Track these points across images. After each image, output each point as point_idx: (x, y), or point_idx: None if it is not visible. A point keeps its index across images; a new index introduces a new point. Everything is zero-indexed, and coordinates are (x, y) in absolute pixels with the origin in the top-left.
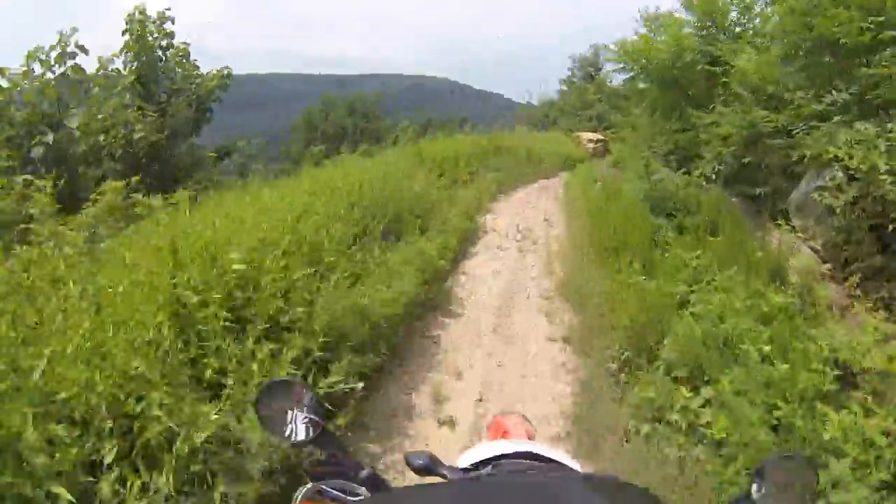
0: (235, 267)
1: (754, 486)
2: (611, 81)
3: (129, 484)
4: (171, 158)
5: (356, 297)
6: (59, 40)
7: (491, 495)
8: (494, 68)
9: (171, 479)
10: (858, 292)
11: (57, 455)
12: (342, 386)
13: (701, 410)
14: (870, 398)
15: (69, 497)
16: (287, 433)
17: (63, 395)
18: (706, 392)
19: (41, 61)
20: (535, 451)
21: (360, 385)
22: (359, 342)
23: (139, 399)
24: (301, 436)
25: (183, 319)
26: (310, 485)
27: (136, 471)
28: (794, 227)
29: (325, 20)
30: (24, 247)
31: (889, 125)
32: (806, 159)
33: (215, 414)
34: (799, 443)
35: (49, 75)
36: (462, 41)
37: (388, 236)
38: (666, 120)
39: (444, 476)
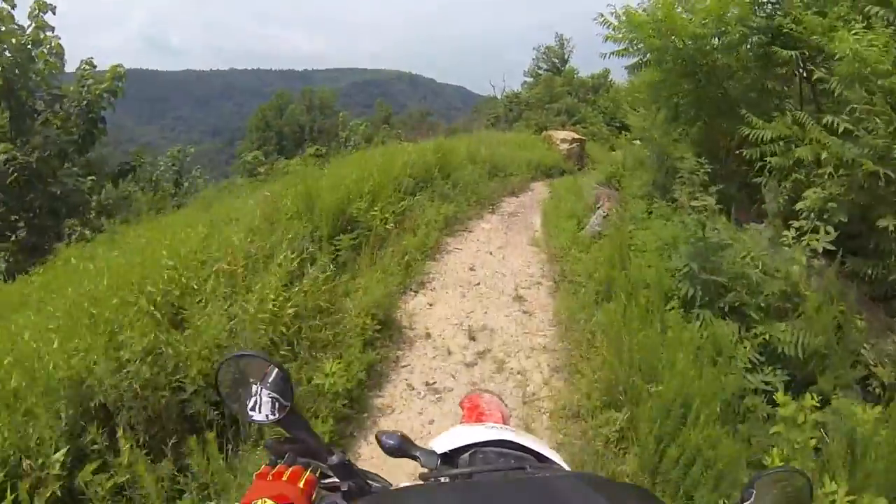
0: None
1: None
2: (577, 73)
3: None
4: (50, 186)
5: None
6: None
7: (502, 496)
8: (456, 59)
9: None
10: None
11: None
12: None
13: None
14: None
15: None
16: (250, 407)
17: None
18: None
19: None
20: (513, 439)
21: None
22: None
23: None
24: (266, 412)
25: None
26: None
27: None
28: None
29: (285, 15)
30: None
31: None
32: None
33: None
34: None
35: None
36: (423, 33)
37: None
38: (691, 126)
39: (415, 457)
